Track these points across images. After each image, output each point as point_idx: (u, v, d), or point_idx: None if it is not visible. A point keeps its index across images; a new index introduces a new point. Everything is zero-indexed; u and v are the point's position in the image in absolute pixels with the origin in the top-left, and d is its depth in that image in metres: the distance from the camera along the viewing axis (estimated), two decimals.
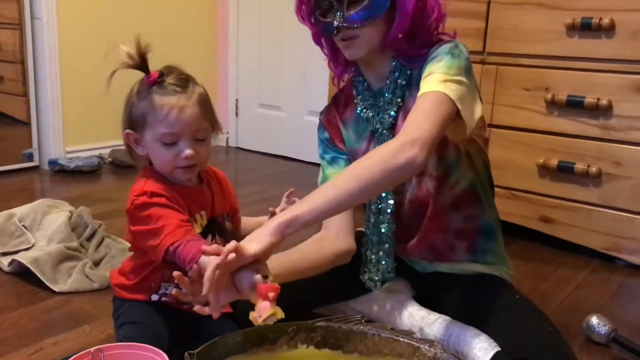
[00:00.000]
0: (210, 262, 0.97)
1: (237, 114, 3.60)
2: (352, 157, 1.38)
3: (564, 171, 1.97)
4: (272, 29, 3.36)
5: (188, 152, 1.12)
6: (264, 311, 0.96)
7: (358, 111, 1.37)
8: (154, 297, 1.22)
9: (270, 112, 3.46)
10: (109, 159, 3.10)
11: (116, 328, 1.23)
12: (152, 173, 1.19)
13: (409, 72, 1.28)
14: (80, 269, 1.65)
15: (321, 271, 1.29)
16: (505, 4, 2.02)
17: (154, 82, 1.14)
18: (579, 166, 1.93)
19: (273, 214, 1.24)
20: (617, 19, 1.81)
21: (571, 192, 1.98)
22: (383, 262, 1.36)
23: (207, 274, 0.95)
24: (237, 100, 3.58)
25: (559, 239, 2.04)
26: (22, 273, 1.65)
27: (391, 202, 1.33)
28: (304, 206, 1.02)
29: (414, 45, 1.25)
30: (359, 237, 1.42)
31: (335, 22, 1.22)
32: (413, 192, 1.32)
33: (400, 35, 1.23)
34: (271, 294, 0.96)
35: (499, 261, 1.40)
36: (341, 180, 1.03)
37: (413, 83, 1.27)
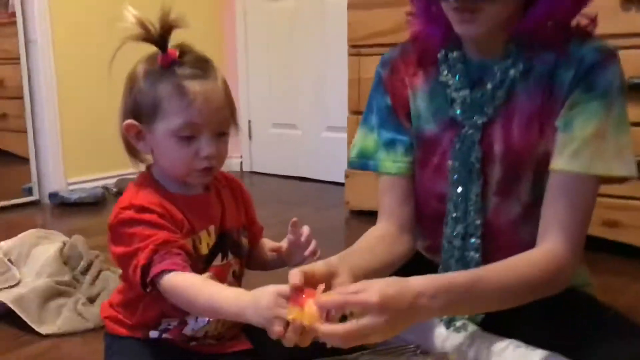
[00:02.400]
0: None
1: (250, 136, 3.46)
2: (417, 139, 1.09)
3: None
4: (282, 42, 3.23)
5: (210, 150, 0.93)
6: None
7: (439, 81, 1.06)
8: (153, 334, 1.00)
9: (285, 131, 3.32)
10: (115, 189, 2.91)
11: None
12: (149, 181, 0.98)
13: (528, 62, 0.98)
14: (71, 306, 1.48)
15: (387, 274, 1.03)
16: None
17: (172, 63, 0.93)
18: None
19: (295, 225, 1.04)
20: None
21: (638, 189, 1.72)
22: None
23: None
24: (249, 121, 3.43)
25: (627, 245, 1.80)
26: (6, 315, 1.46)
27: (479, 222, 1.03)
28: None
29: (546, 30, 0.95)
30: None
31: None
32: (488, 214, 1.03)
33: (536, 21, 0.94)
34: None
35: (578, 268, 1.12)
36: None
37: (530, 78, 0.98)
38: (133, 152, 0.99)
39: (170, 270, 0.86)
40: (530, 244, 1.04)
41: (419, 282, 0.81)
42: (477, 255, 1.03)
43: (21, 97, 2.71)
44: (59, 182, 2.82)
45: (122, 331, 1.01)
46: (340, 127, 2.58)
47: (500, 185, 1.01)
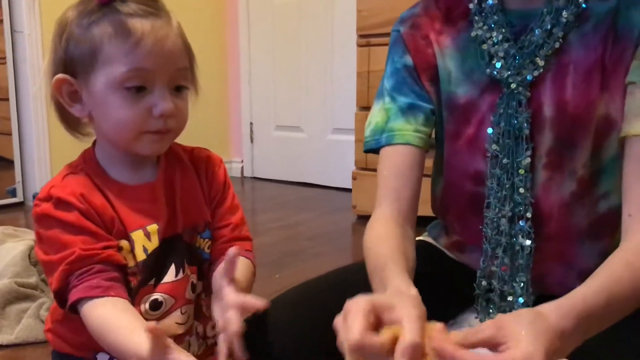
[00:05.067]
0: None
1: (252, 140, 3.33)
2: (448, 107, 0.91)
3: None
4: (286, 42, 3.11)
5: (166, 105, 0.74)
6: None
7: (472, 36, 0.89)
8: (102, 358, 0.79)
9: (288, 134, 3.20)
10: None
11: None
12: (87, 163, 0.80)
13: (583, 1, 0.82)
14: (34, 312, 1.31)
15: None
16: None
17: (108, 0, 0.74)
18: None
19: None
20: None
21: None
22: (520, 300, 0.87)
23: None
24: (251, 124, 3.32)
25: None
26: None
27: (528, 200, 0.85)
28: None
29: None
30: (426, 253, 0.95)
31: None
32: (536, 192, 0.85)
33: None
34: None
35: None
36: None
37: (587, 23, 0.82)
38: (69, 121, 0.80)
39: (87, 298, 0.70)
40: (586, 233, 0.86)
41: (556, 317, 0.63)
42: (528, 243, 0.84)
43: (7, 99, 2.61)
44: (44, 183, 2.66)
45: (67, 349, 0.80)
46: (348, 129, 2.49)
47: (551, 156, 0.83)
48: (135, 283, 0.75)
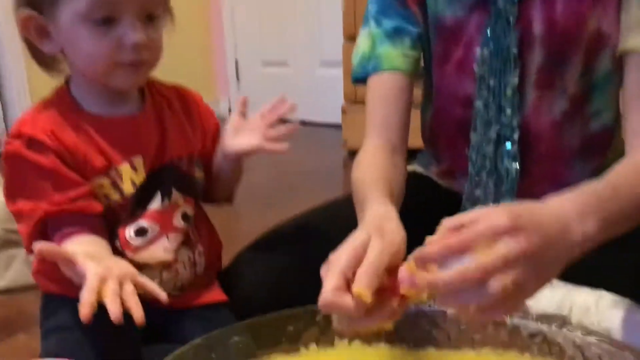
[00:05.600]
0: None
1: (238, 77, 3.30)
2: (435, 29, 0.88)
3: None
4: None
5: (136, 35, 0.72)
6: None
7: None
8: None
9: (275, 69, 3.16)
10: None
11: (41, 337, 0.80)
12: (61, 98, 0.78)
13: None
14: (23, 257, 1.30)
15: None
16: None
17: None
18: None
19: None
20: None
21: None
22: None
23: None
24: (236, 61, 3.28)
25: None
26: None
27: (516, 122, 0.84)
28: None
29: None
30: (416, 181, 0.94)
31: None
32: (526, 112, 0.84)
33: None
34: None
35: None
36: None
37: None
38: (43, 58, 0.77)
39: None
40: (578, 153, 0.85)
41: (552, 200, 0.59)
42: (514, 165, 0.84)
43: None
44: None
45: (56, 288, 0.80)
46: (336, 62, 2.43)
47: (541, 74, 0.82)
48: (123, 215, 0.75)
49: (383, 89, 0.88)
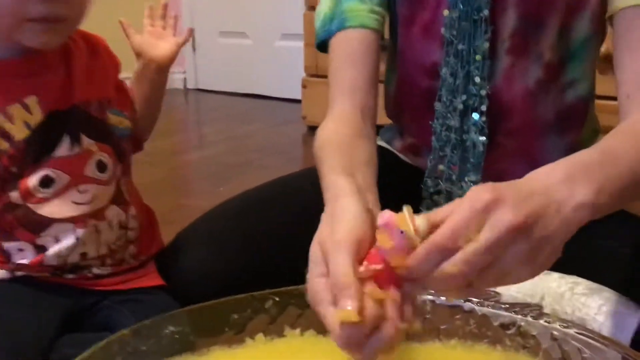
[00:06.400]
0: None
1: (194, 48, 3.19)
2: None
3: None
4: None
5: None
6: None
7: None
8: (3, 274, 0.71)
9: (233, 40, 3.07)
10: None
11: None
12: None
13: None
14: None
15: None
16: None
17: None
18: None
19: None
20: None
21: None
22: None
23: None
24: (192, 30, 3.05)
25: None
26: None
27: (484, 92, 0.78)
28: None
29: None
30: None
31: None
32: (497, 81, 0.78)
33: None
34: None
35: None
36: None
37: None
38: None
39: None
40: (552, 126, 0.80)
41: (538, 170, 0.52)
42: (481, 139, 0.78)
43: None
44: None
45: None
46: (297, 34, 2.37)
47: (515, 38, 0.76)
48: (17, 162, 0.68)
49: (349, 48, 0.79)
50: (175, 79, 3.14)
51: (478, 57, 0.76)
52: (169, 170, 1.73)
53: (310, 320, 0.66)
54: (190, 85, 3.20)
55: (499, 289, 0.80)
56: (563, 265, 0.76)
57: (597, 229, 0.58)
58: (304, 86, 2.24)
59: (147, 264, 0.78)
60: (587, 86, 0.80)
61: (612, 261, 0.76)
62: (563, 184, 0.49)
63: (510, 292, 0.80)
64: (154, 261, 0.79)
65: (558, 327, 0.58)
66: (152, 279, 0.77)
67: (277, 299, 0.66)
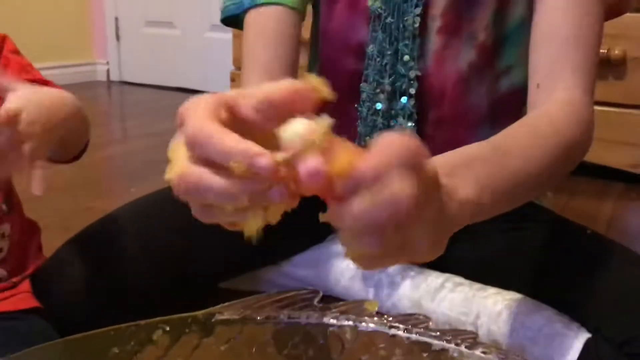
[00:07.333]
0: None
1: (118, 38, 3.00)
2: None
3: None
4: None
5: None
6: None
7: None
8: None
9: (160, 30, 2.89)
10: None
11: None
12: None
13: None
14: None
15: None
16: None
17: None
18: None
19: None
20: None
21: None
22: None
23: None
24: (116, 19, 2.98)
25: None
26: None
27: (414, 74, 0.72)
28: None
29: None
30: None
31: None
32: (427, 63, 0.72)
33: None
34: None
35: None
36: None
37: None
38: None
39: None
40: (485, 117, 0.75)
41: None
42: (409, 125, 0.73)
43: None
44: None
45: None
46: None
47: (447, 16, 0.71)
48: None
49: (264, 27, 0.72)
50: (98, 70, 2.96)
51: (407, 34, 0.70)
52: (79, 168, 1.57)
53: (208, 352, 0.57)
54: (113, 77, 3.01)
55: (430, 308, 0.72)
56: (475, 263, 0.72)
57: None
58: (232, 80, 2.11)
59: (19, 285, 0.66)
60: (522, 74, 0.75)
61: (521, 256, 0.73)
62: (444, 178, 0.40)
63: (442, 309, 0.73)
64: (28, 280, 0.67)
65: (495, 359, 0.50)
66: (24, 300, 0.64)
67: (167, 328, 0.55)
